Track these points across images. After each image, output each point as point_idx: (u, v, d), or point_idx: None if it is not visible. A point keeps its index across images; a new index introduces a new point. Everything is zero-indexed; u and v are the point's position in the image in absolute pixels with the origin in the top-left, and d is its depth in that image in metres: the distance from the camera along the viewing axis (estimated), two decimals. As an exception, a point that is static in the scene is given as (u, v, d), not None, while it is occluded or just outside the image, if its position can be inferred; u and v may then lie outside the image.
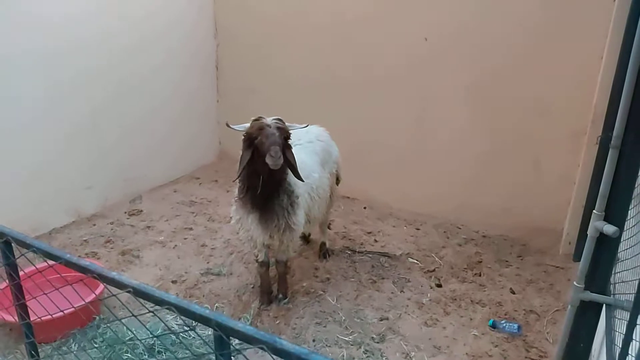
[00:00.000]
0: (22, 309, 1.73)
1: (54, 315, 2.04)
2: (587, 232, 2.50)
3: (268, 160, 2.84)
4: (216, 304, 3.54)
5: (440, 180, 4.69)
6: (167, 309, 1.22)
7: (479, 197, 4.54)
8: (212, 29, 5.62)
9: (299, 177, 3.09)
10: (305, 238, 4.27)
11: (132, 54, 4.80)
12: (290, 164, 3.01)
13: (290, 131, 3.00)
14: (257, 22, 5.30)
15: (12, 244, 1.45)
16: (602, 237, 2.45)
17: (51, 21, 4.11)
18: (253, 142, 2.91)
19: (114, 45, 4.62)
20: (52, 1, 4.10)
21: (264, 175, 2.96)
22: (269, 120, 2.93)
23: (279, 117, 2.98)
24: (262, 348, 1.09)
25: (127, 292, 1.24)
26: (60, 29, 4.18)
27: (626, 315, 2.16)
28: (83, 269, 1.33)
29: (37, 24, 4.01)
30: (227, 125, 3.04)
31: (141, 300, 2.03)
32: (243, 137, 3.00)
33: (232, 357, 1.20)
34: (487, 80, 4.25)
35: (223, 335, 1.16)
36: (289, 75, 5.22)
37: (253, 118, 2.98)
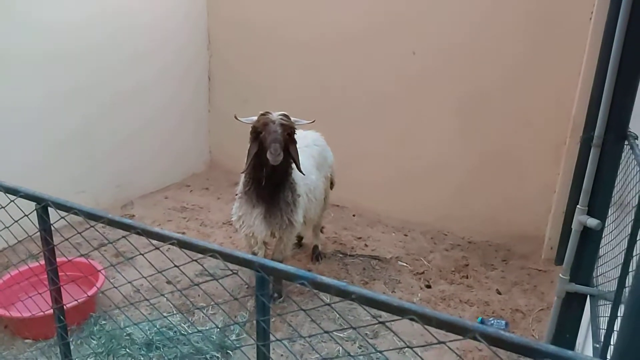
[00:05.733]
0: (57, 293, 1.78)
1: (68, 305, 2.09)
2: (572, 227, 2.67)
3: (268, 156, 3.00)
4: (212, 303, 3.60)
5: (428, 190, 4.86)
6: (210, 256, 1.32)
7: (465, 206, 4.72)
8: (205, 40, 5.76)
9: (300, 171, 3.23)
10: (299, 241, 4.37)
11: (126, 64, 4.90)
12: (292, 158, 3.14)
13: (296, 126, 3.15)
14: (250, 34, 5.46)
15: (49, 209, 1.54)
16: (585, 231, 2.63)
17: (48, 30, 4.17)
18: (259, 135, 3.04)
19: (109, 55, 4.71)
20: (47, 11, 4.15)
21: (267, 168, 3.09)
22: (275, 115, 3.06)
23: (285, 113, 3.11)
24: (302, 284, 1.19)
25: (170, 244, 1.34)
26: (56, 38, 4.25)
27: (609, 304, 2.33)
28: (126, 226, 1.42)
29: (34, 32, 4.07)
30: (235, 117, 3.15)
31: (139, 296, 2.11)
32: (250, 130, 3.13)
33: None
34: (472, 95, 4.46)
35: (265, 275, 1.26)
36: (280, 87, 5.37)
37: (260, 112, 3.11)
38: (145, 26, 5.01)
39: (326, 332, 1.58)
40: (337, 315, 3.49)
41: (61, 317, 1.76)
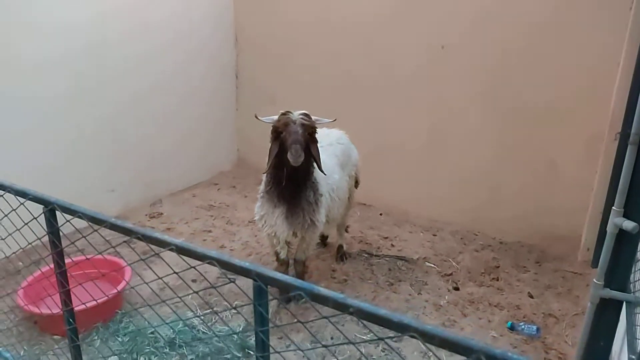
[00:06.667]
0: (66, 296, 1.79)
1: (87, 305, 2.08)
2: (607, 229, 2.52)
3: (289, 157, 2.96)
4: (235, 302, 3.59)
5: (457, 188, 4.72)
6: (208, 263, 1.29)
7: (496, 205, 4.56)
8: (232, 37, 5.76)
9: (322, 170, 3.18)
10: (323, 241, 4.32)
11: (152, 59, 4.91)
12: (314, 157, 3.10)
13: (317, 125, 3.10)
14: (277, 32, 5.43)
15: (56, 213, 1.54)
16: (621, 234, 2.47)
17: (72, 25, 4.19)
18: (279, 135, 3.01)
19: (135, 50, 4.72)
20: (74, 6, 4.18)
21: (288, 168, 3.05)
22: (295, 114, 3.02)
23: (306, 112, 3.07)
24: (299, 295, 1.14)
25: (169, 249, 1.31)
26: (81, 32, 4.26)
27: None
28: (127, 231, 1.40)
29: (59, 28, 4.10)
30: (256, 117, 3.13)
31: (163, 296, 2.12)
32: (271, 130, 3.10)
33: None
34: (504, 87, 4.30)
35: (262, 284, 1.21)
36: (308, 85, 5.31)
37: (281, 111, 3.07)
38: (168, 19, 4.98)
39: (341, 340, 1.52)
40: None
41: (70, 320, 1.76)
